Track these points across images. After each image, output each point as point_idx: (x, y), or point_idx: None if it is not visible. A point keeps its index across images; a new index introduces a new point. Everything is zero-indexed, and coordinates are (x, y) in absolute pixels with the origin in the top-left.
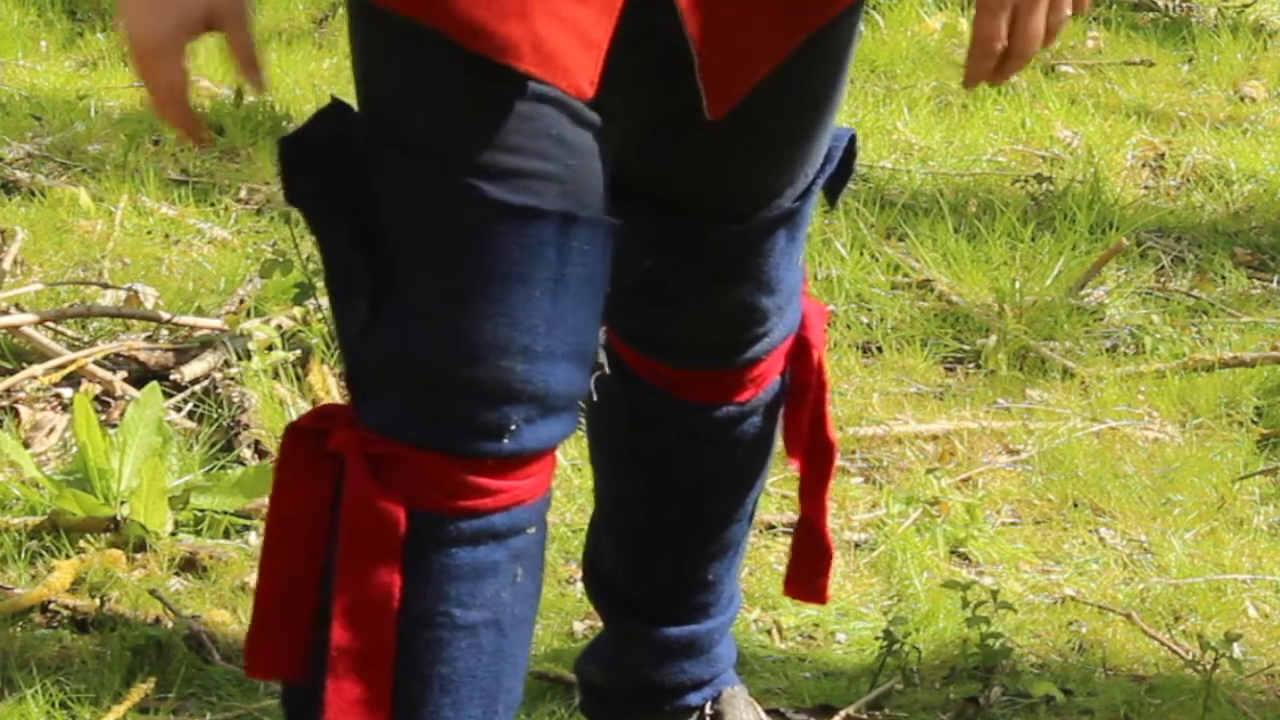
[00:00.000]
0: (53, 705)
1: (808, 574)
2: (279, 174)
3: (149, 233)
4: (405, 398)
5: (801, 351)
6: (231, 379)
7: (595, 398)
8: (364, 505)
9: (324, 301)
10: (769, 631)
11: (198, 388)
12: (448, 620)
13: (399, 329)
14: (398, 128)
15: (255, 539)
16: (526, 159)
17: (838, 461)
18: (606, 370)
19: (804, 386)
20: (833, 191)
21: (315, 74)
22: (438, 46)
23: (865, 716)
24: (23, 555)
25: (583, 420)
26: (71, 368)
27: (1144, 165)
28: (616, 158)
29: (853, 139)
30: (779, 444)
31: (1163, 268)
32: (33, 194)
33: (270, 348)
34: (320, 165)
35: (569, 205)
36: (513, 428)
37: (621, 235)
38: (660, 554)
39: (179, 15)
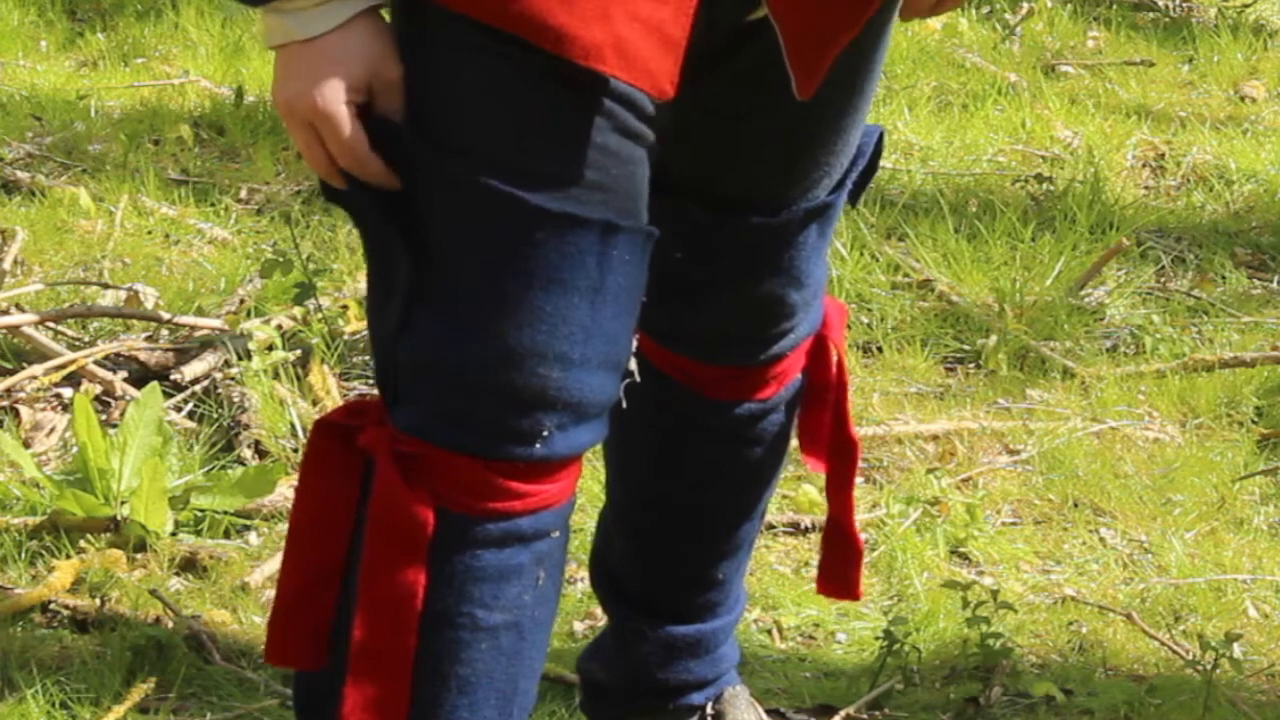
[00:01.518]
0: (53, 705)
1: (839, 571)
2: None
3: (149, 233)
4: (439, 400)
5: (822, 351)
6: (231, 379)
7: (623, 403)
8: (393, 504)
9: (324, 301)
10: (769, 631)
11: (198, 388)
12: (470, 621)
13: (437, 331)
14: (443, 130)
15: (255, 539)
16: (570, 167)
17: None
18: (637, 378)
19: (825, 386)
20: (857, 189)
21: None
22: (492, 51)
23: (865, 716)
24: (23, 555)
25: None
26: (71, 368)
27: (1144, 165)
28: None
29: (881, 135)
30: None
31: (1163, 268)
32: (33, 194)
33: (270, 348)
34: None
35: (610, 215)
36: (545, 434)
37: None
38: (671, 552)
39: (346, 74)
